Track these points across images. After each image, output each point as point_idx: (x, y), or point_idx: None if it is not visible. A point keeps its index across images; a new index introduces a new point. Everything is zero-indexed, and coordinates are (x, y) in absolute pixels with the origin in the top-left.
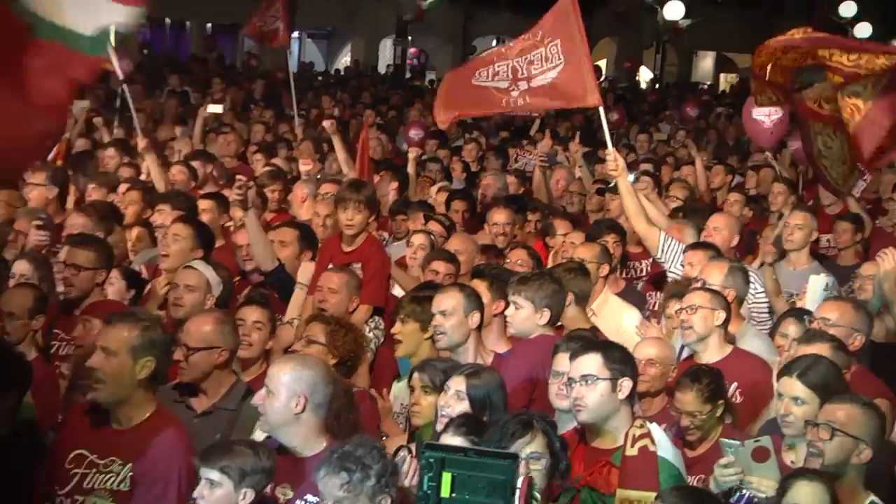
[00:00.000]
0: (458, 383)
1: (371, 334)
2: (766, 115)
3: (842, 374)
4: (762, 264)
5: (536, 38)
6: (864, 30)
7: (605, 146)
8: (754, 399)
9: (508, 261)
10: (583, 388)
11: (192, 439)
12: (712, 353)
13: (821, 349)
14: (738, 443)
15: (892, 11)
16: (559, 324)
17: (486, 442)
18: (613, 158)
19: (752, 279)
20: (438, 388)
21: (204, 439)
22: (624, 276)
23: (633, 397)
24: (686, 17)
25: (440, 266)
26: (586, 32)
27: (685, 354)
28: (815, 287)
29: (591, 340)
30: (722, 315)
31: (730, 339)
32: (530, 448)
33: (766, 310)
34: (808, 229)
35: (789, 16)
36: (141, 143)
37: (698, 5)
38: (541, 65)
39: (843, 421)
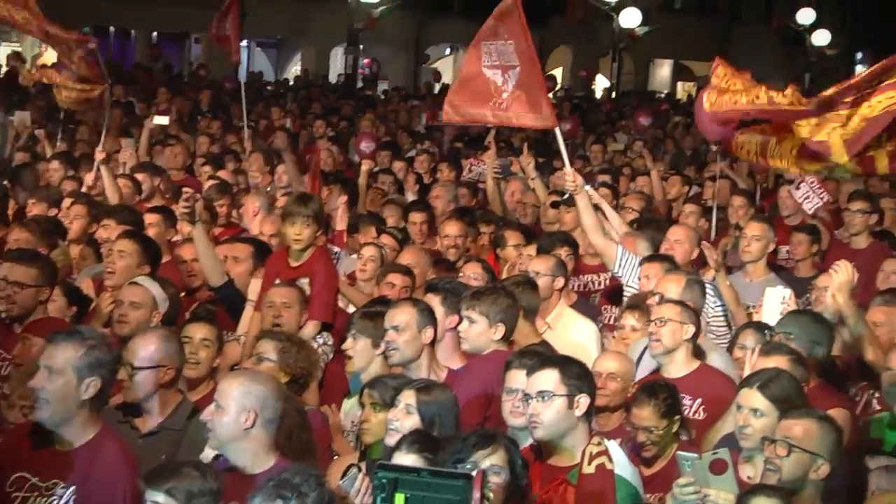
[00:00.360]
0: (408, 397)
1: (320, 350)
2: None
3: (802, 389)
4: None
5: (496, 31)
6: (822, 37)
7: (559, 155)
8: (718, 416)
9: (462, 274)
10: (539, 404)
11: (136, 460)
12: (679, 367)
13: (779, 362)
14: (695, 455)
15: (850, 18)
16: (510, 339)
17: (441, 456)
18: (572, 178)
19: (709, 292)
20: (389, 405)
21: (149, 460)
22: (582, 289)
23: (590, 414)
24: (643, 24)
25: (396, 279)
26: (541, 40)
27: (649, 366)
28: (772, 299)
29: (548, 356)
30: (691, 329)
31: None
32: (490, 461)
33: (724, 323)
34: (765, 240)
35: (747, 23)
36: (99, 155)
37: (655, 13)
38: (508, 59)
39: (800, 437)
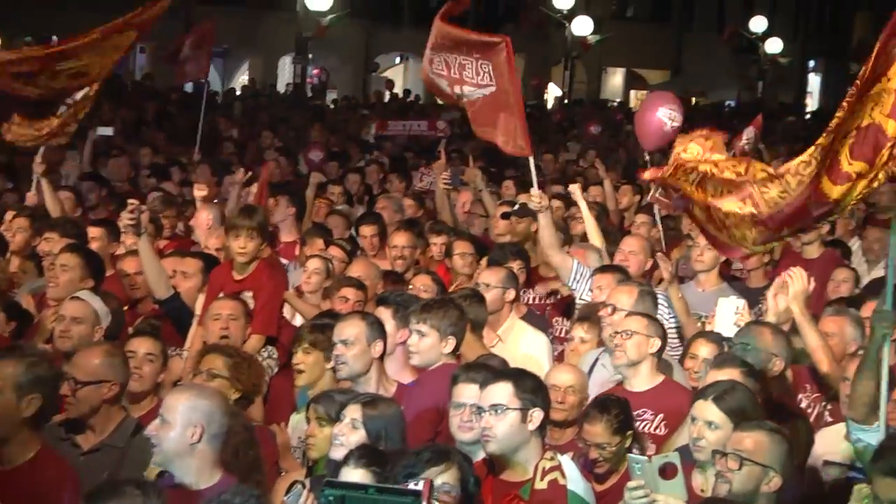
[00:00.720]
0: (353, 412)
1: (265, 364)
2: (669, 118)
3: (757, 401)
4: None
5: (462, 48)
6: (774, 45)
7: (509, 166)
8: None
9: (412, 287)
10: (492, 417)
11: (78, 479)
12: (642, 381)
13: (731, 374)
14: (645, 458)
15: (803, 27)
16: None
17: (392, 471)
18: (539, 198)
19: (662, 303)
20: (335, 420)
21: (91, 478)
22: (538, 302)
23: (543, 428)
24: (595, 32)
25: (349, 293)
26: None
27: (600, 378)
28: (725, 310)
29: (502, 369)
30: (657, 343)
31: None
32: (443, 478)
33: (678, 335)
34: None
35: (699, 32)
36: (38, 168)
37: (607, 21)
38: (472, 75)
39: (751, 449)
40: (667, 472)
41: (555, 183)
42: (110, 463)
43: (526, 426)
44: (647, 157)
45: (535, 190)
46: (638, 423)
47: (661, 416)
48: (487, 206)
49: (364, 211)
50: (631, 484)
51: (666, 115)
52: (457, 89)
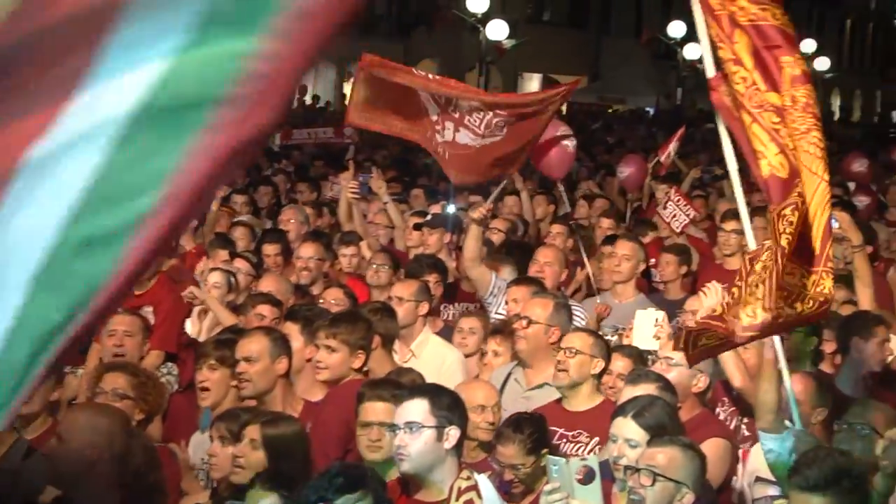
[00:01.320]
0: (253, 432)
1: (164, 380)
2: (570, 141)
3: (677, 415)
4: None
5: (485, 104)
6: (692, 51)
7: (421, 175)
8: None
9: (322, 300)
10: (406, 435)
11: None
12: (581, 401)
13: (647, 389)
14: (563, 460)
15: None
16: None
17: (303, 493)
18: (485, 211)
19: (578, 316)
20: (238, 439)
21: None
22: (459, 317)
23: (460, 447)
24: (510, 37)
25: (265, 310)
26: (405, 53)
27: (515, 394)
28: (643, 322)
29: (417, 385)
30: (600, 364)
31: None
32: None
33: None
34: (634, 260)
35: (617, 37)
36: None
37: (523, 25)
38: (477, 121)
39: (664, 465)
40: (584, 476)
41: (472, 193)
42: (1, 487)
43: (442, 445)
44: (591, 182)
45: (487, 204)
46: (572, 445)
47: (596, 439)
48: (392, 216)
49: (271, 224)
50: (547, 487)
51: (568, 140)
52: (448, 129)
